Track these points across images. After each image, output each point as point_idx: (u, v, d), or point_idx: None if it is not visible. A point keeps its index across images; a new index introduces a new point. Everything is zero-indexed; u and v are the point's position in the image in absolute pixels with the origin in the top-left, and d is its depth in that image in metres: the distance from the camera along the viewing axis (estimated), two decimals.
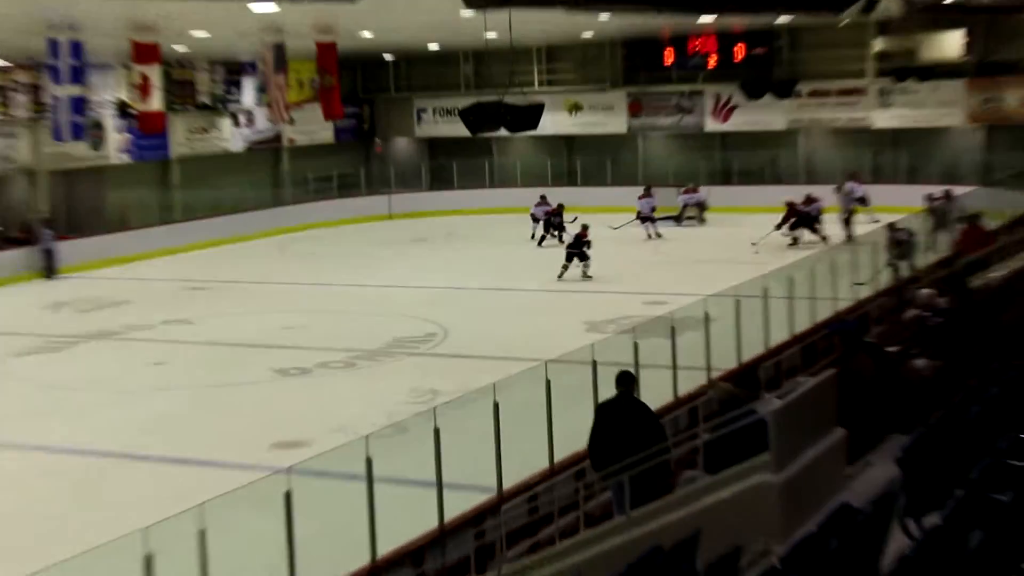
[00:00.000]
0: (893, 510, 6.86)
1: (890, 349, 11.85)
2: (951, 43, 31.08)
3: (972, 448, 7.09)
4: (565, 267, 23.85)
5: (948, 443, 7.44)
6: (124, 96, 30.46)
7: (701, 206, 31.76)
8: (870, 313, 16.66)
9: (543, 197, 30.02)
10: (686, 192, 31.95)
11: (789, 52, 34.95)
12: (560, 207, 29.41)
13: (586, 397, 11.22)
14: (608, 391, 11.47)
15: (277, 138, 36.34)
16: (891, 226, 20.25)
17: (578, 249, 23.89)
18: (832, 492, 7.42)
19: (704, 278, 21.54)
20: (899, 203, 28.36)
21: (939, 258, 19.39)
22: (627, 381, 9.44)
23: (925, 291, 12.76)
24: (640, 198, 29.66)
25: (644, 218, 29.31)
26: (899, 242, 19.42)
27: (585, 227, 24.47)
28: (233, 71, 34.21)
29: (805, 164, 35.52)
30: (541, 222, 29.28)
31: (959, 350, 10.52)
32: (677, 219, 31.47)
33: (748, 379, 9.70)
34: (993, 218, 20.33)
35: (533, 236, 29.34)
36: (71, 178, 30.61)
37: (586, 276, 23.68)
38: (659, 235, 28.86)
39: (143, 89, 25.72)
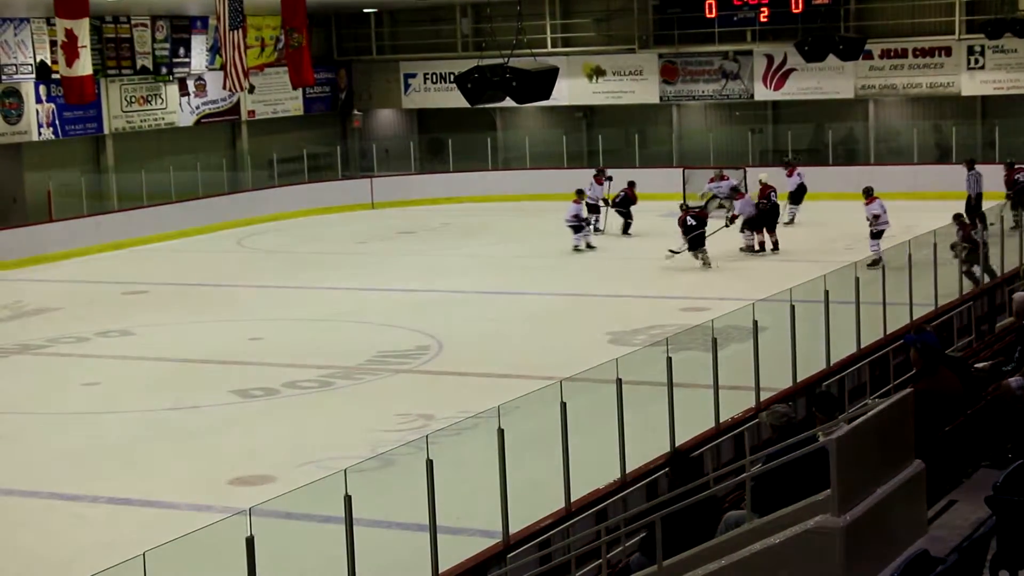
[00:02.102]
0: (983, 560, 6.92)
1: (979, 365, 11.92)
2: None
3: None
4: (704, 254, 24.48)
5: None
6: (45, 57, 30.58)
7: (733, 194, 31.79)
8: (954, 321, 16.72)
9: (601, 170, 29.70)
10: (712, 180, 31.88)
11: (857, 3, 35.00)
12: (631, 185, 29.41)
13: (609, 423, 11.29)
14: (635, 415, 11.58)
15: (234, 110, 36.47)
16: (961, 219, 20.30)
17: (700, 228, 24.41)
18: (908, 538, 7.47)
19: (751, 279, 21.62)
20: (997, 188, 28.42)
21: None
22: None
23: (1022, 294, 12.80)
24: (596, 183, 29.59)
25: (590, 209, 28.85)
26: (972, 241, 19.37)
27: (684, 205, 25.45)
28: (180, 27, 34.33)
29: (876, 140, 35.57)
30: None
31: None
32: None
33: (823, 399, 9.75)
34: None
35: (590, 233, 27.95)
36: None
37: (707, 264, 24.36)
38: (589, 246, 27.51)
39: (68, 49, 25.79)
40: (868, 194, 23.83)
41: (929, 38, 34.13)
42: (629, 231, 28.96)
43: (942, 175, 32.54)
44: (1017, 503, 7.22)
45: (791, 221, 28.58)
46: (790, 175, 29.90)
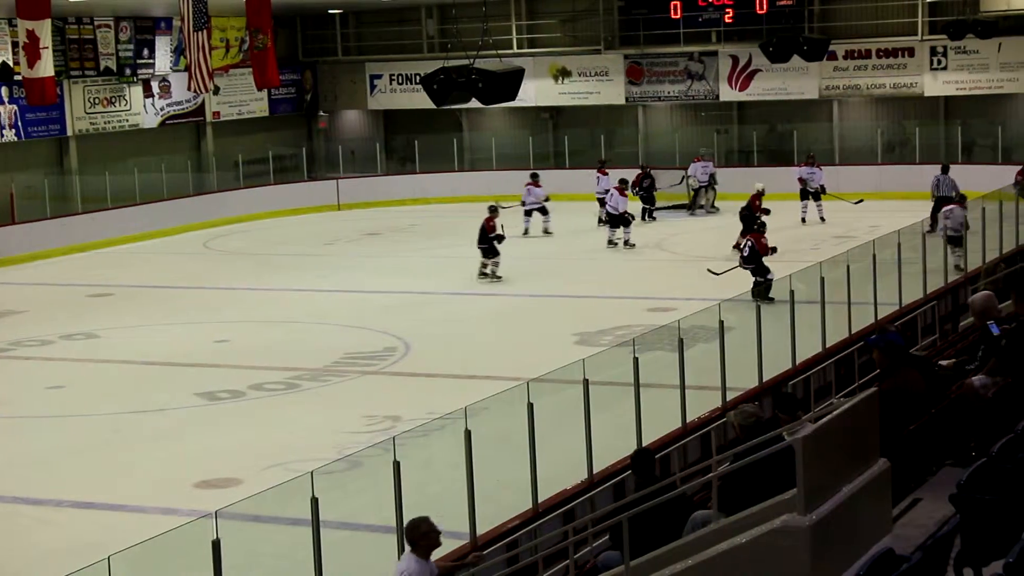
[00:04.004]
0: (947, 558, 6.96)
1: (944, 363, 12.00)
2: None
3: None
4: (484, 264, 24.15)
5: (1013, 477, 7.54)
6: (7, 59, 30.37)
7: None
8: (918, 320, 16.83)
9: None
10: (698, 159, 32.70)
11: (821, 4, 35.19)
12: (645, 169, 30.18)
13: (576, 423, 11.31)
14: (603, 415, 11.60)
15: (199, 111, 36.32)
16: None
17: (487, 243, 24.06)
18: (873, 536, 7.51)
19: (718, 280, 21.64)
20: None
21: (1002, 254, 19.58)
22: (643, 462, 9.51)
23: (983, 294, 12.87)
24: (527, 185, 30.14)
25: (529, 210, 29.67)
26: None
27: (493, 208, 24.75)
28: (144, 29, 34.17)
29: (840, 140, 35.75)
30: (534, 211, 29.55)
31: None
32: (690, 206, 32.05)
33: (785, 399, 9.80)
34: None
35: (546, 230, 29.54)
36: None
37: (495, 276, 23.99)
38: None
39: (30, 50, 25.62)
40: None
41: (892, 39, 34.35)
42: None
43: (905, 175, 32.78)
44: (981, 501, 7.26)
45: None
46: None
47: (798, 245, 26.09)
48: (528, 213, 29.54)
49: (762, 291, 19.62)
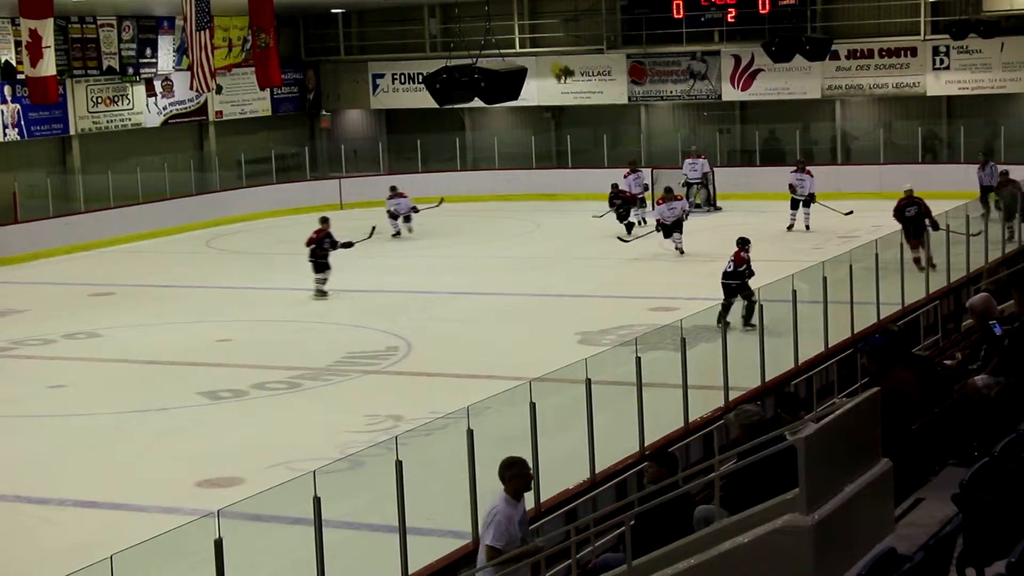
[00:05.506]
0: (950, 558, 6.96)
1: (948, 363, 12.00)
2: None
3: None
4: (319, 281, 23.49)
5: (1015, 477, 7.54)
6: (10, 58, 30.37)
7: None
8: (920, 320, 16.82)
9: (394, 188, 30.94)
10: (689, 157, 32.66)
11: (824, 4, 35.18)
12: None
13: (578, 422, 11.31)
14: (605, 415, 11.59)
15: (202, 110, 36.33)
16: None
17: (319, 259, 23.48)
18: (875, 536, 7.51)
19: (719, 279, 21.67)
20: (956, 188, 28.68)
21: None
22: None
23: (981, 296, 12.86)
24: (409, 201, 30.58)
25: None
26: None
27: (324, 219, 24.25)
28: (146, 28, 34.18)
29: (843, 140, 35.74)
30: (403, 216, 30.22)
31: None
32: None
33: (787, 399, 9.80)
34: None
35: (397, 234, 30.09)
36: None
37: (320, 294, 23.35)
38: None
39: (33, 49, 25.62)
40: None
41: (895, 39, 34.33)
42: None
43: (908, 175, 32.74)
44: (983, 501, 7.27)
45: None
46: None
47: (800, 245, 26.12)
48: (407, 219, 30.25)
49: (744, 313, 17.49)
